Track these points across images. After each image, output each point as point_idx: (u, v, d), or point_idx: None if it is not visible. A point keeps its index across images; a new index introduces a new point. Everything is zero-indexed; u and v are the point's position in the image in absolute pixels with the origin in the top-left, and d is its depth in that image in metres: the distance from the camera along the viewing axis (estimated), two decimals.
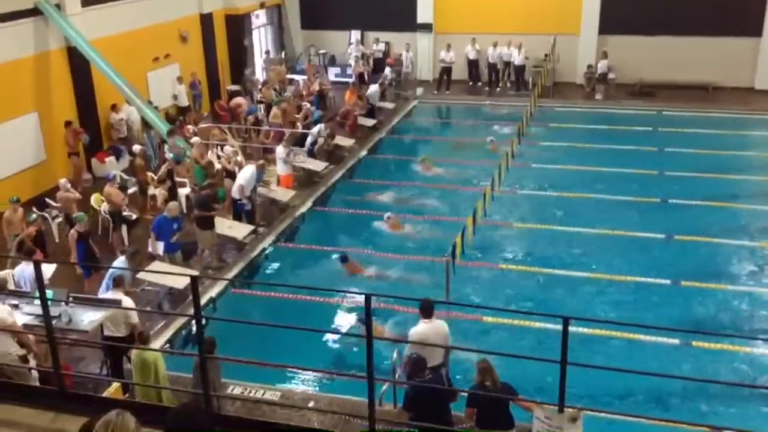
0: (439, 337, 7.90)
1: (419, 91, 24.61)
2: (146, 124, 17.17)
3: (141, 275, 11.08)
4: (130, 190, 14.51)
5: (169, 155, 14.95)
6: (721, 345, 10.33)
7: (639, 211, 14.98)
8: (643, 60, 23.41)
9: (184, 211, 13.84)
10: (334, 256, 12.93)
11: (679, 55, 23.14)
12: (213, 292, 11.80)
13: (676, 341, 10.37)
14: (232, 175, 14.39)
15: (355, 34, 26.16)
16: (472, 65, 24.53)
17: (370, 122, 20.17)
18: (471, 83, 24.77)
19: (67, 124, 16.00)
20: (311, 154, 17.12)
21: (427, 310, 7.92)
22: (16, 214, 11.99)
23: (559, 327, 5.46)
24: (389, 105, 22.09)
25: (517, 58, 23.65)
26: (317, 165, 16.78)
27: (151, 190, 14.51)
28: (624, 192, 15.72)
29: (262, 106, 19.96)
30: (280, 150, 15.41)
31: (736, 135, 19.89)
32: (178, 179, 14.52)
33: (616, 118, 21.30)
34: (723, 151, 18.27)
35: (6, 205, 12.29)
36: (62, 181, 13.68)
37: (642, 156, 18.10)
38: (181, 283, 10.84)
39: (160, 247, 11.71)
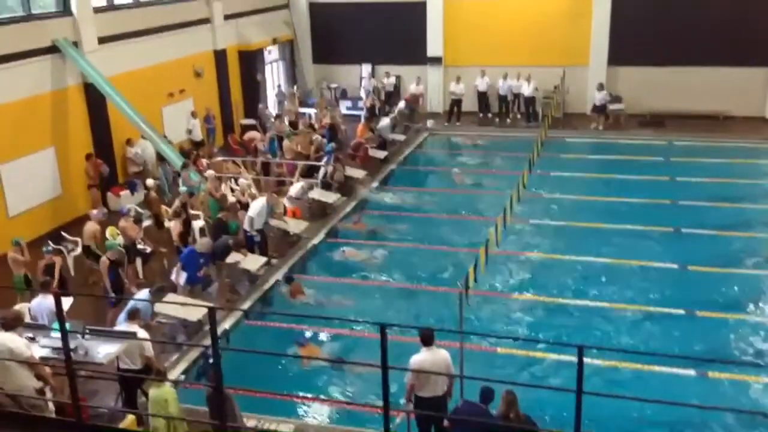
0: (438, 365, 7.86)
1: (430, 123, 24.80)
2: (161, 158, 17.41)
3: (155, 307, 11.11)
4: (145, 224, 14.63)
5: (182, 188, 15.12)
6: (737, 375, 10.23)
7: (652, 241, 14.92)
8: (653, 90, 23.52)
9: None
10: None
11: (689, 85, 23.26)
12: (227, 324, 11.83)
13: (691, 372, 10.28)
14: (246, 208, 14.52)
15: (366, 68, 26.49)
16: (482, 97, 24.70)
17: (381, 154, 20.33)
18: (481, 115, 24.92)
19: (88, 156, 16.30)
20: (324, 185, 17.24)
21: (427, 338, 7.92)
22: (19, 255, 11.87)
23: (574, 357, 5.46)
24: (400, 137, 22.26)
25: (526, 90, 23.81)
26: (329, 197, 16.88)
27: (166, 223, 14.63)
28: (637, 221, 15.68)
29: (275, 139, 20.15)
30: (300, 186, 15.48)
31: (749, 164, 19.90)
32: (192, 212, 14.66)
33: (626, 149, 21.31)
34: (736, 179, 18.27)
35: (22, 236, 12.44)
36: (95, 212, 13.81)
37: (654, 186, 18.10)
38: (194, 315, 10.88)
39: (182, 278, 11.81)
